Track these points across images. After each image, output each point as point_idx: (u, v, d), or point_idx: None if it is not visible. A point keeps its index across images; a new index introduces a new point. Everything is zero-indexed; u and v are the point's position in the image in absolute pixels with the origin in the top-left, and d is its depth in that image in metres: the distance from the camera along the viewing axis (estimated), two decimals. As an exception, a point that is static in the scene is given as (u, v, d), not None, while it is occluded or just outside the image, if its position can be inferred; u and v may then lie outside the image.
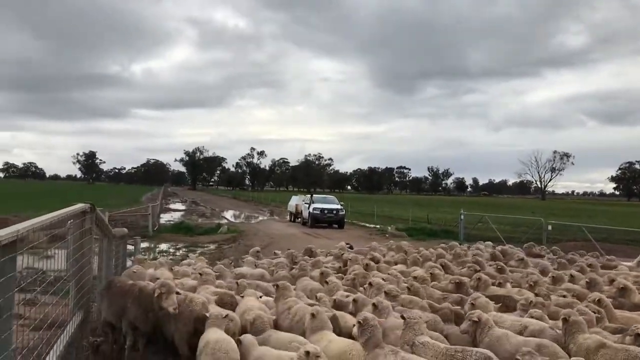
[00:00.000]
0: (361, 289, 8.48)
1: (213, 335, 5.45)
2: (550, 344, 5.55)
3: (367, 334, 5.16)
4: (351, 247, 15.01)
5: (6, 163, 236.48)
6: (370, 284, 8.16)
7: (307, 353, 4.43)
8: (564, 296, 8.16)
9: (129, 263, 11.98)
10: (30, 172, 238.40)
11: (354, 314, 6.65)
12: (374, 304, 6.52)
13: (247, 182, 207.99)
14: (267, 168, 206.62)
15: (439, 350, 5.03)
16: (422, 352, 5.07)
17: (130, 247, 15.01)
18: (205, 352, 5.20)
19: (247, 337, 5.63)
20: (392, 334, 5.88)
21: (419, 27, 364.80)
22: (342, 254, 12.40)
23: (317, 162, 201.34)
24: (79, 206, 6.09)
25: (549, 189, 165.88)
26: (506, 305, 7.66)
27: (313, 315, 5.82)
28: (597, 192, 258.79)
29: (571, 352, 5.52)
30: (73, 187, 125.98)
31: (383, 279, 8.61)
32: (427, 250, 13.43)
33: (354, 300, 7.07)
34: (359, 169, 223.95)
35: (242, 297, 7.51)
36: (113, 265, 8.92)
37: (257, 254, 12.83)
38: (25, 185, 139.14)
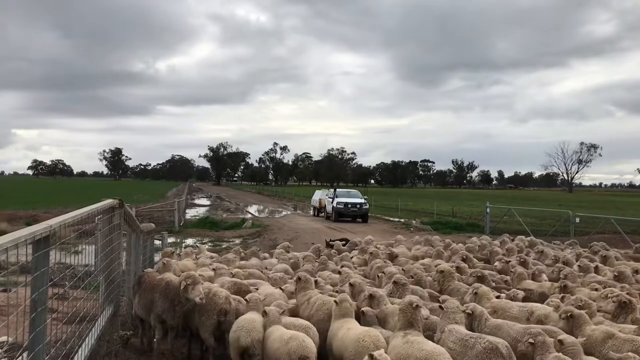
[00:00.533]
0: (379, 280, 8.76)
1: (249, 315, 6.05)
2: (555, 329, 5.51)
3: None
4: (345, 243, 15.15)
5: (35, 160, 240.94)
6: (383, 272, 8.55)
7: (372, 356, 4.50)
8: (596, 289, 8.01)
9: (156, 258, 12.13)
10: (58, 169, 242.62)
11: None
12: (370, 295, 6.84)
13: (270, 177, 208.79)
14: (290, 163, 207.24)
15: (459, 335, 5.26)
16: (447, 337, 5.34)
17: (157, 242, 15.19)
18: (233, 329, 5.91)
19: (272, 310, 6.06)
20: (391, 320, 6.13)
21: (442, 18, 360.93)
22: (368, 248, 12.37)
23: (340, 157, 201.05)
24: (108, 202, 6.17)
25: (576, 181, 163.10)
26: (538, 300, 7.54)
27: (336, 303, 6.08)
28: (626, 184, 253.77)
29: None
30: (100, 184, 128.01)
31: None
32: (457, 244, 13.26)
33: (351, 285, 7.44)
34: (382, 162, 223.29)
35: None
36: (141, 260, 9.03)
37: (288, 248, 12.82)
38: (54, 182, 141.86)
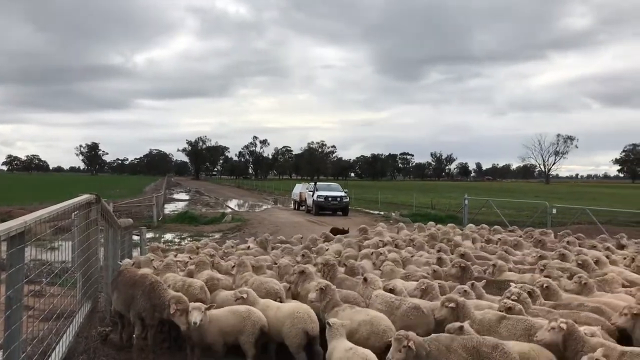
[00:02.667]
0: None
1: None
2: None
3: (327, 298, 6.33)
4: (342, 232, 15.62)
5: (9, 156, 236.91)
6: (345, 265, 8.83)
7: (329, 324, 5.34)
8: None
9: (134, 253, 12.02)
10: (34, 165, 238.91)
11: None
12: (365, 278, 7.32)
13: (250, 171, 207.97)
14: (270, 157, 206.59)
15: (385, 298, 6.32)
16: (375, 301, 6.34)
17: (135, 238, 15.05)
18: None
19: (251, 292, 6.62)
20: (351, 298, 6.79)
21: (423, 11, 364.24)
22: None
23: (320, 150, 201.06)
24: (84, 197, 6.10)
25: (553, 172, 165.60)
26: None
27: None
28: (601, 175, 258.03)
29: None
30: (76, 179, 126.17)
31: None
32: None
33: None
34: (362, 155, 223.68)
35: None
36: (119, 255, 8.95)
37: (266, 241, 12.68)
38: (29, 178, 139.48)
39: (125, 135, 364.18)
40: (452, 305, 5.68)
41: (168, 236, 22.80)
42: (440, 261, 9.44)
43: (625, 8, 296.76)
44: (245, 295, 6.50)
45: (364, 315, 5.85)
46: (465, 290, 6.87)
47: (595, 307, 6.20)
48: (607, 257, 9.72)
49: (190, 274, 8.21)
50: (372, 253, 9.96)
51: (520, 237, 13.55)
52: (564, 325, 4.85)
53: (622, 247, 12.32)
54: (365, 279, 7.19)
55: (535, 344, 4.97)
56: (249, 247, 11.89)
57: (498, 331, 5.47)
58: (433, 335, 5.11)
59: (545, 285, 6.97)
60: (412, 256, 9.93)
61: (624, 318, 5.50)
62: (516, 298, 6.16)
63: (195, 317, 5.80)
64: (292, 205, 42.63)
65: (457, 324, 5.23)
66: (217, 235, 22.84)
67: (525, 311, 5.98)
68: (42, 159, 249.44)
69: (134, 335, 6.83)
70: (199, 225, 26.76)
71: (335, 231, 16.15)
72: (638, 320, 5.46)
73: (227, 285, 7.68)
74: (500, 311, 5.89)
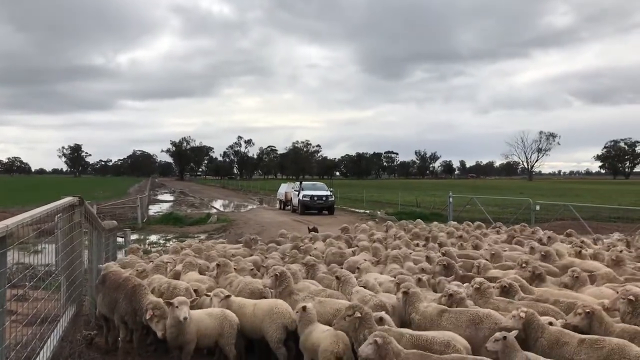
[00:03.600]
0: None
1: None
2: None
3: (283, 285, 6.64)
4: (315, 230, 15.78)
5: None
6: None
7: (304, 308, 5.64)
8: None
9: (119, 256, 11.92)
10: (16, 167, 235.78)
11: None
12: (337, 276, 7.55)
13: (235, 171, 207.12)
14: (255, 156, 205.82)
15: (362, 294, 6.63)
16: (354, 297, 6.56)
17: (120, 240, 14.93)
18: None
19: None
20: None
21: (406, 10, 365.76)
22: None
23: (305, 149, 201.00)
24: (67, 199, 6.03)
25: (536, 169, 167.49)
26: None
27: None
28: (583, 171, 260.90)
29: (414, 319, 5.93)
30: (59, 181, 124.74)
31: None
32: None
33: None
34: (347, 154, 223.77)
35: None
36: (104, 258, 8.86)
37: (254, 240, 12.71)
38: (11, 180, 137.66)
39: (109, 137, 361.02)
40: (357, 315, 5.27)
41: (153, 238, 22.64)
42: (429, 259, 9.55)
43: (607, 6, 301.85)
44: (228, 295, 6.50)
45: (338, 304, 6.17)
46: (419, 279, 7.38)
47: (571, 302, 6.27)
48: (580, 249, 10.33)
49: (176, 276, 8.16)
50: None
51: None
52: (523, 314, 5.25)
53: (596, 243, 12.62)
54: (337, 277, 7.33)
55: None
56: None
57: (440, 323, 5.67)
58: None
59: (505, 285, 6.92)
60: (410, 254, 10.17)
61: (578, 317, 5.45)
62: (478, 287, 6.50)
63: (185, 312, 5.73)
64: (277, 205, 42.54)
65: (378, 314, 5.54)
66: (202, 236, 22.68)
67: (485, 302, 6.29)
68: (24, 161, 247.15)
69: (119, 339, 6.77)
70: (184, 227, 26.61)
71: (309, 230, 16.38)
72: (593, 319, 5.41)
73: (212, 287, 7.64)
74: (442, 299, 6.27)
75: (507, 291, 6.82)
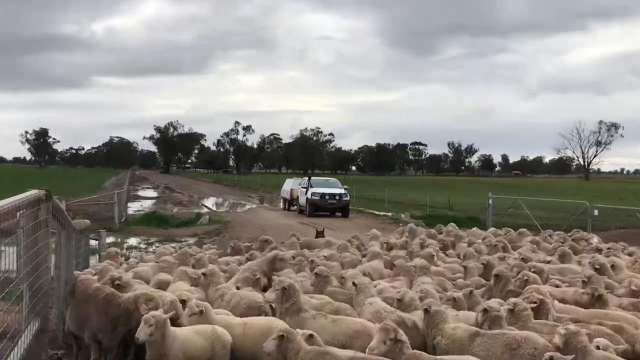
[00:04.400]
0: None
1: None
2: None
3: (290, 300, 6.67)
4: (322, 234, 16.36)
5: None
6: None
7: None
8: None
9: (92, 261, 12.01)
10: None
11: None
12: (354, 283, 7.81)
13: (231, 163, 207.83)
14: (255, 146, 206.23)
15: (377, 308, 6.98)
16: (367, 309, 6.93)
17: (93, 242, 15.04)
18: None
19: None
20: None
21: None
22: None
23: (315, 139, 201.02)
24: (31, 193, 6.06)
25: (594, 166, 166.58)
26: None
27: None
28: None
29: (439, 343, 6.00)
30: (22, 172, 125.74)
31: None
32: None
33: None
34: (365, 145, 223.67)
35: None
36: (74, 263, 8.92)
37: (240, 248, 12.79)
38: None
39: (81, 120, 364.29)
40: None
41: (132, 241, 22.82)
42: (466, 270, 9.65)
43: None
44: (202, 310, 6.49)
45: (355, 325, 6.33)
46: (454, 298, 7.35)
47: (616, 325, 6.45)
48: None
49: (162, 285, 8.22)
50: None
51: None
52: (563, 331, 5.44)
53: None
54: (354, 284, 7.46)
55: None
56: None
57: (471, 350, 5.68)
58: None
59: (534, 301, 7.02)
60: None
61: (563, 338, 5.54)
62: (512, 308, 6.51)
63: (145, 332, 5.62)
64: (281, 205, 42.67)
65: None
66: (191, 240, 22.84)
67: (523, 327, 6.25)
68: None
69: (91, 360, 6.82)
70: (169, 228, 26.81)
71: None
72: None
73: (202, 299, 7.68)
74: (477, 315, 6.35)
75: (536, 309, 6.86)
